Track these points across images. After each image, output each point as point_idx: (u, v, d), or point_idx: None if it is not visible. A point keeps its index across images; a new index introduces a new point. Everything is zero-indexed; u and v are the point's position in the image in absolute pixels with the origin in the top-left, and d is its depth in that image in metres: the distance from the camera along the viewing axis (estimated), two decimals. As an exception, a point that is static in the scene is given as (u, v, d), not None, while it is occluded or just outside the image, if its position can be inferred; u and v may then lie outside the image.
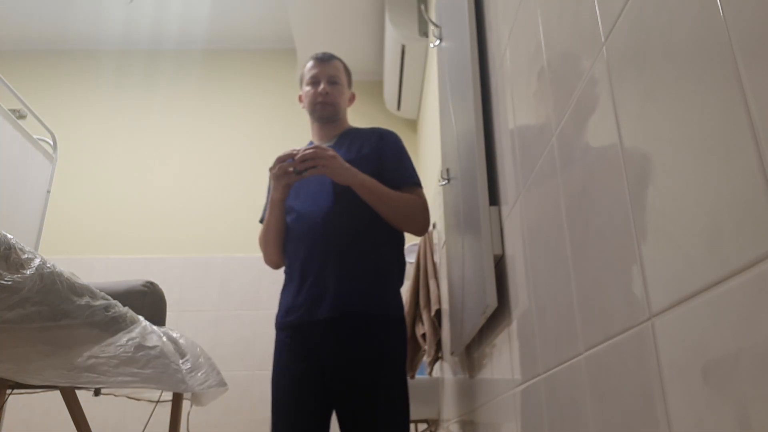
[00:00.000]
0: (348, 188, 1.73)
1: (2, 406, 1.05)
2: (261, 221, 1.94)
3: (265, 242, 1.84)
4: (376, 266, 1.69)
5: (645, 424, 0.61)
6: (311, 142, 1.98)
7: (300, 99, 1.96)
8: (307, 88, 1.91)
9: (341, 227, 1.72)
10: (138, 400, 1.83)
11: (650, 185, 0.60)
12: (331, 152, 1.68)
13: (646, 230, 0.61)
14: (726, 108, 0.48)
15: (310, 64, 1.92)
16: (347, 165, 1.69)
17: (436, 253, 2.32)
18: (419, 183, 1.81)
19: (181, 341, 1.54)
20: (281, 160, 1.71)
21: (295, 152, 1.70)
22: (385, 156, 1.83)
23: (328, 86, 1.88)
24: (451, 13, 1.74)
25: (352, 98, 2.00)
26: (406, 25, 3.11)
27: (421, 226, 1.79)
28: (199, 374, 1.53)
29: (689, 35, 0.53)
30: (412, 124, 3.87)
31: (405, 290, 3.45)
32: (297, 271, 1.74)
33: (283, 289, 1.79)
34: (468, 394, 1.65)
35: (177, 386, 1.45)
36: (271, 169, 1.74)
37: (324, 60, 1.90)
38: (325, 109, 1.87)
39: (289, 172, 1.71)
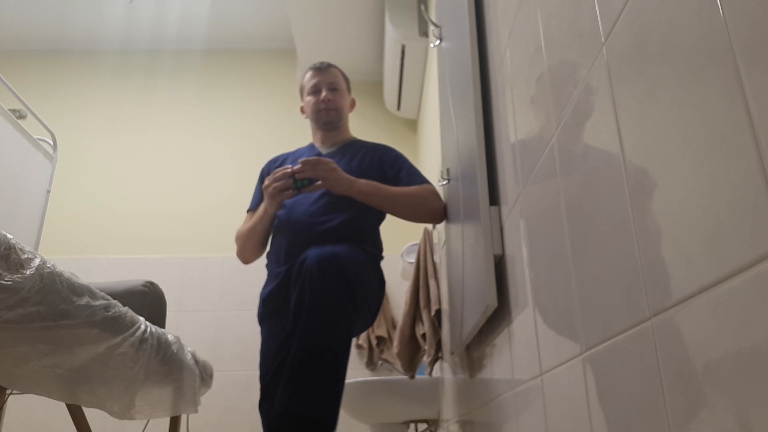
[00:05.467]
0: None
1: (2, 406, 1.05)
2: (248, 211, 1.97)
3: (245, 242, 1.87)
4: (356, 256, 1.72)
5: (645, 424, 0.61)
6: (311, 144, 2.00)
7: (302, 110, 2.01)
8: (309, 98, 1.96)
9: (323, 221, 1.76)
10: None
11: (650, 185, 0.60)
12: (332, 165, 1.70)
13: (646, 230, 0.61)
14: (726, 108, 0.48)
15: (309, 74, 1.98)
16: (346, 176, 1.72)
17: (436, 253, 2.32)
18: (429, 182, 1.88)
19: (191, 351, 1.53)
20: (277, 179, 1.72)
21: (290, 171, 1.71)
22: (393, 169, 1.89)
23: (330, 93, 1.93)
24: (451, 13, 1.74)
25: (352, 104, 2.06)
26: (406, 25, 3.10)
27: (435, 210, 1.81)
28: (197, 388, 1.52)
29: (689, 35, 0.53)
30: (412, 124, 3.87)
31: (405, 290, 3.45)
32: (276, 263, 1.80)
33: (264, 287, 1.85)
34: (468, 394, 1.65)
35: (191, 409, 1.46)
36: (265, 188, 1.75)
37: (322, 69, 1.96)
38: (329, 114, 1.93)
39: (284, 191, 1.71)
